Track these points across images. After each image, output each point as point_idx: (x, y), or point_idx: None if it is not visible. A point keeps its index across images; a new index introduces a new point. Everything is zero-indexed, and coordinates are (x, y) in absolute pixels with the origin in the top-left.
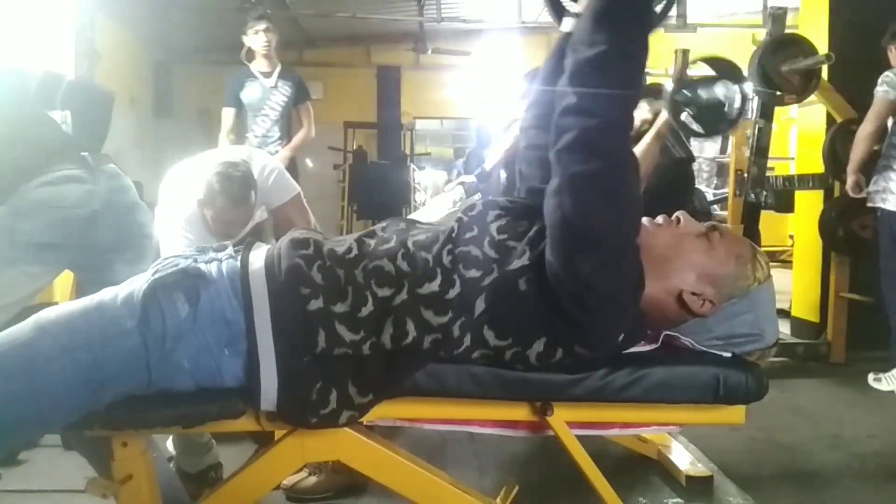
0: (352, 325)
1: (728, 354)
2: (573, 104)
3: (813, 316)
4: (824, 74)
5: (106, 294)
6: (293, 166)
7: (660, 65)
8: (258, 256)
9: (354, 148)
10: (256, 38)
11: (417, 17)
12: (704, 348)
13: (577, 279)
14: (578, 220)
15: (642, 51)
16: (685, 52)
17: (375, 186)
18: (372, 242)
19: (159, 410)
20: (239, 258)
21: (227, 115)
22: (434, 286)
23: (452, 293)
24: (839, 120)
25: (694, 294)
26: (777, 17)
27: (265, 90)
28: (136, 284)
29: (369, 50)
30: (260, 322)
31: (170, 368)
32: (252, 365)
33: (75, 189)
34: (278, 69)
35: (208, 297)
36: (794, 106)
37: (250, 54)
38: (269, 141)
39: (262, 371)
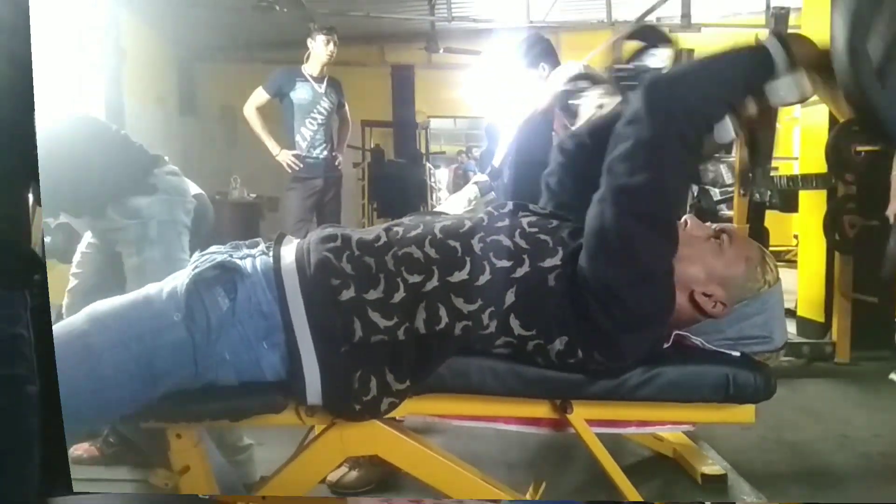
0: (385, 312)
1: (737, 354)
2: (636, 111)
3: (818, 315)
4: None
5: (151, 288)
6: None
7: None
8: (289, 251)
9: (372, 146)
10: (326, 47)
11: (429, 17)
12: (714, 347)
13: (605, 290)
14: (616, 232)
15: (724, 89)
16: (690, 53)
17: (394, 185)
18: (400, 230)
19: (208, 403)
20: (271, 253)
21: (261, 96)
22: (464, 274)
23: (482, 280)
24: (841, 120)
25: (705, 295)
26: (780, 17)
27: (316, 94)
28: (179, 279)
29: (383, 49)
30: (296, 316)
31: (213, 361)
32: (293, 358)
33: (183, 179)
34: (327, 77)
35: (245, 290)
36: (798, 106)
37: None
38: (317, 144)
39: (304, 364)
